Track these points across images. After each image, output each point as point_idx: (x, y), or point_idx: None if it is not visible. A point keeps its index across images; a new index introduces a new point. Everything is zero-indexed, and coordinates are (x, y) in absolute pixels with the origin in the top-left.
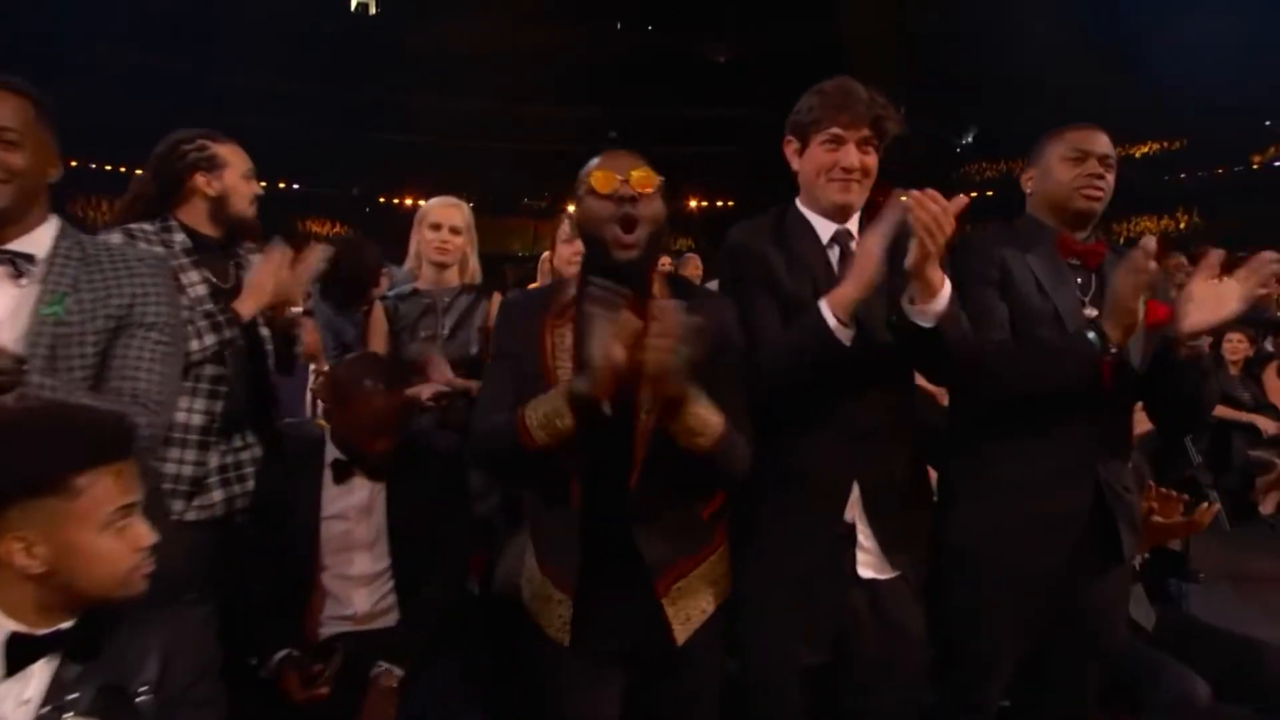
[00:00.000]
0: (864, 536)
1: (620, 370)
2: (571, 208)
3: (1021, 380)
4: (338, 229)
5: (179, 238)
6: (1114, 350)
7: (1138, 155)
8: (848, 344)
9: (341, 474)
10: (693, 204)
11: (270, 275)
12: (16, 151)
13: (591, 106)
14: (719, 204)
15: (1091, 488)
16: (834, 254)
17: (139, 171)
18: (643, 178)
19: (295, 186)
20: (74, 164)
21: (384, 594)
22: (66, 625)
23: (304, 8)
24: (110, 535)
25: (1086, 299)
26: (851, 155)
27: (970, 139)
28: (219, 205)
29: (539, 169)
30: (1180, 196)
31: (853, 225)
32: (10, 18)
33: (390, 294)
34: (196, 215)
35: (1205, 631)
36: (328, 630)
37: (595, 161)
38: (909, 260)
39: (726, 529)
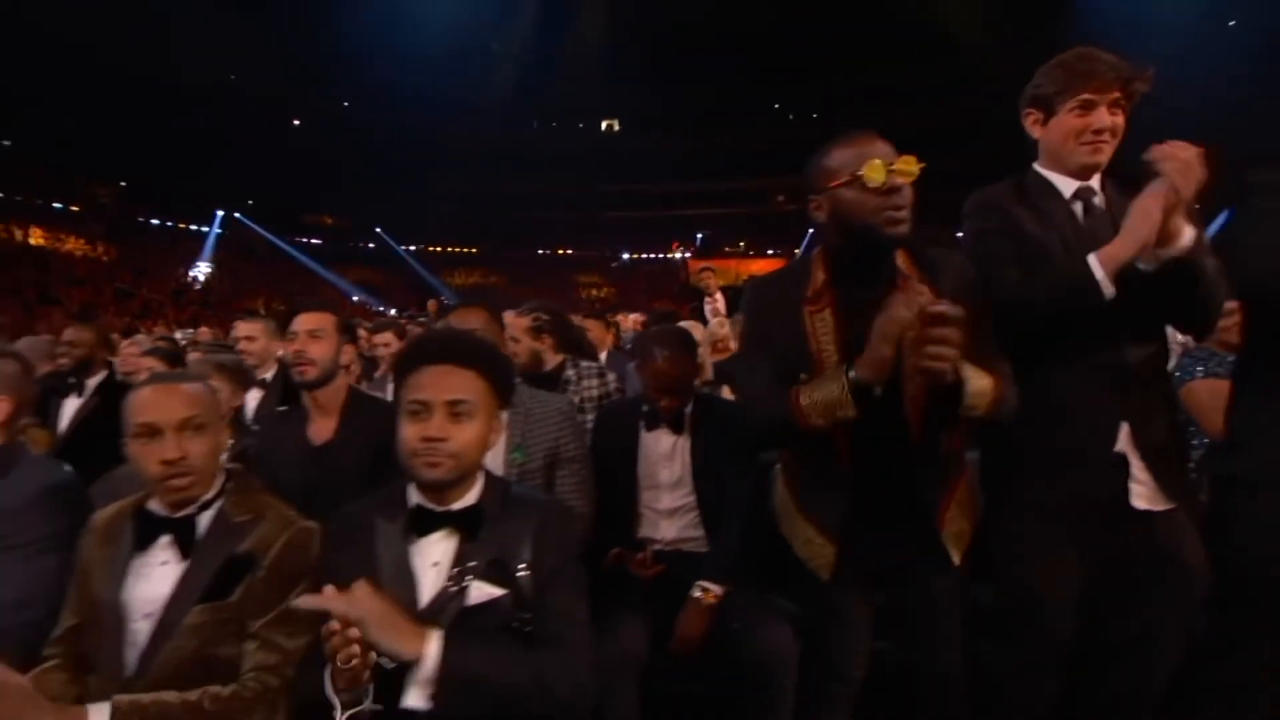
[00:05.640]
0: (1137, 469)
1: (893, 360)
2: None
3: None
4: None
5: None
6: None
7: None
8: (1108, 298)
9: (649, 423)
10: None
11: None
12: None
13: (762, 179)
14: None
15: None
16: (1078, 208)
17: None
18: (907, 163)
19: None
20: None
21: (687, 524)
22: (459, 505)
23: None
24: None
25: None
26: (1103, 118)
27: None
28: None
29: (731, 225)
30: None
31: (1094, 182)
32: None
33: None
34: None
35: None
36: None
37: (854, 150)
38: None
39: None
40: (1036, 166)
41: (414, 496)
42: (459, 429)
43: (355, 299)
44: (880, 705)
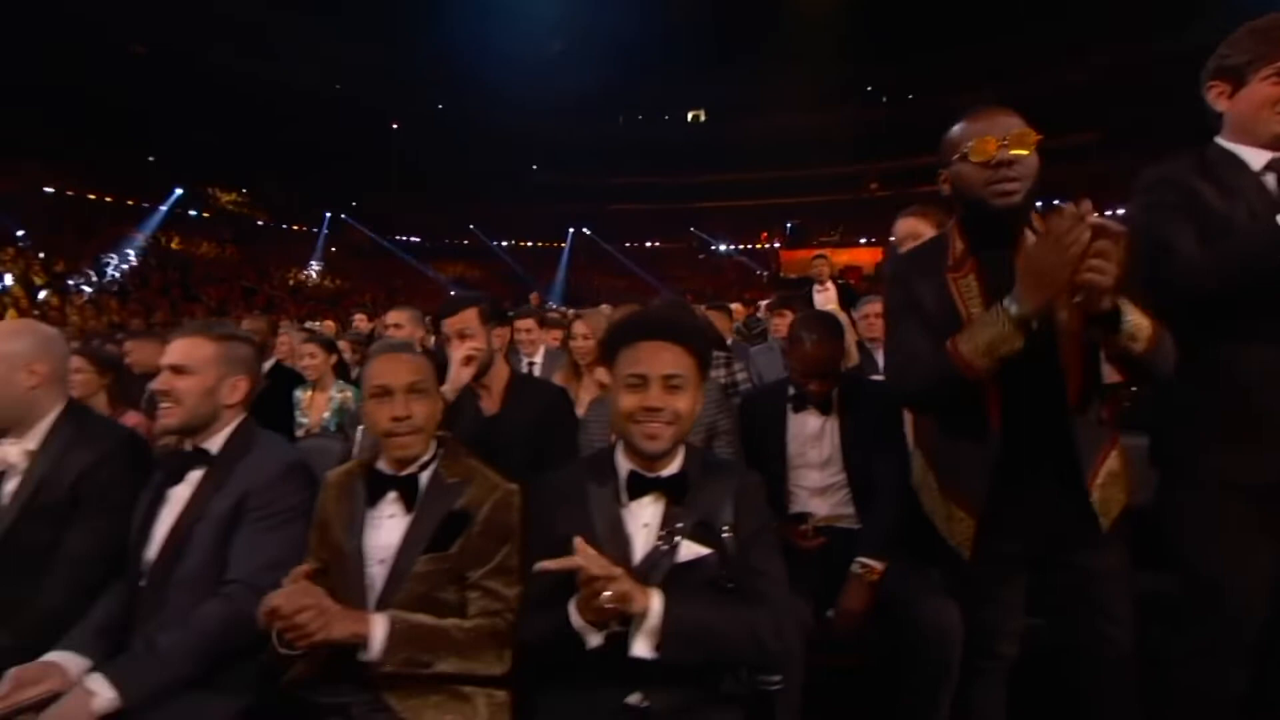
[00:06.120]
0: None
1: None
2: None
3: None
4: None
5: None
6: None
7: None
8: None
9: (796, 405)
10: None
11: None
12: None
13: (855, 165)
14: None
15: None
16: (1270, 179)
17: None
18: (1021, 138)
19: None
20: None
21: (839, 501)
22: (667, 473)
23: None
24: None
25: None
26: None
27: None
28: None
29: (822, 213)
30: None
31: None
32: None
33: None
34: None
35: None
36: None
37: (971, 126)
38: None
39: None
40: (1220, 140)
41: (625, 464)
42: (674, 399)
43: (453, 295)
44: (1037, 683)
